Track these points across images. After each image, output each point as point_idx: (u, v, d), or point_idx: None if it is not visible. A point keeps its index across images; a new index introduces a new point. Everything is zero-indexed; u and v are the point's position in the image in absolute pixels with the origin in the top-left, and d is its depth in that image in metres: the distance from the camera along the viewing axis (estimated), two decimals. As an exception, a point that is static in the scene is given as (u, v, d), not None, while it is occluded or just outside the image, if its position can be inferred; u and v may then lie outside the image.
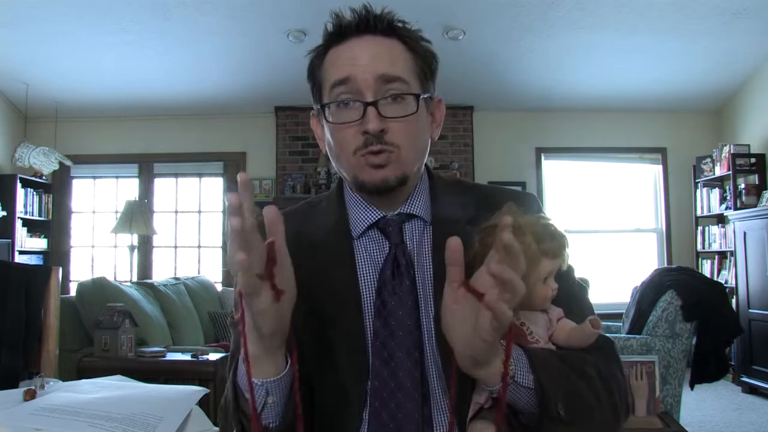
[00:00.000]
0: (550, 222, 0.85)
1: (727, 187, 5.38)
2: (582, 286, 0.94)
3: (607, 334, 0.92)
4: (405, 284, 0.89)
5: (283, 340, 0.75)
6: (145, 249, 5.94)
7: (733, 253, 5.06)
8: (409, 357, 0.86)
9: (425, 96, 0.89)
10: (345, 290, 0.89)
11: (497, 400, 0.73)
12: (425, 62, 0.91)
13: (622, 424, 0.84)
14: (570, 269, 0.91)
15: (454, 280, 0.70)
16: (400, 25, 0.90)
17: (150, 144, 5.96)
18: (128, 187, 6.11)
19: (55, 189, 5.93)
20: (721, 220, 5.59)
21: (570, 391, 0.76)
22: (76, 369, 2.81)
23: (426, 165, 0.98)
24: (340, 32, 0.89)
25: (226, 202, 0.63)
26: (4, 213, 5.24)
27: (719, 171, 5.43)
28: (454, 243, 0.68)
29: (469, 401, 0.81)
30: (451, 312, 0.72)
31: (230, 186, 5.99)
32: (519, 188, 5.82)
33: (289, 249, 0.90)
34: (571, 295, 0.89)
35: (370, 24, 0.88)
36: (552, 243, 0.83)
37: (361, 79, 0.85)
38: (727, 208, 5.32)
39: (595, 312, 0.92)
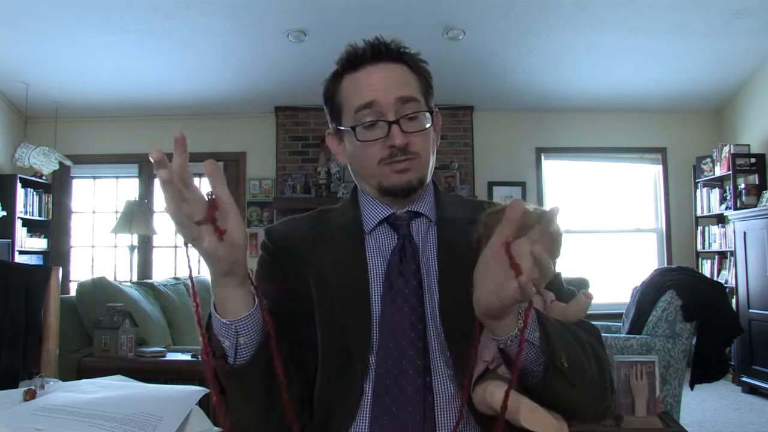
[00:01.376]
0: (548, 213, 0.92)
1: (727, 187, 5.38)
2: (571, 288, 1.03)
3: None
4: (411, 267, 1.00)
5: (243, 278, 0.81)
6: (145, 249, 5.94)
7: (733, 253, 5.06)
8: (413, 329, 0.96)
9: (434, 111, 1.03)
10: (355, 274, 1.00)
11: (513, 361, 0.79)
12: (426, 81, 1.05)
13: (609, 399, 0.93)
14: (559, 275, 1.02)
15: (503, 234, 0.75)
16: (404, 51, 1.03)
17: (150, 144, 5.88)
18: (128, 187, 6.11)
19: (55, 189, 5.93)
20: (721, 220, 5.59)
21: (570, 350, 0.84)
22: (76, 369, 2.81)
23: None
24: (356, 60, 1.01)
25: (151, 158, 0.69)
26: (4, 213, 5.24)
27: (719, 171, 5.44)
28: (518, 204, 0.73)
29: (470, 369, 0.87)
30: (485, 264, 0.77)
31: (230, 186, 5.97)
32: (519, 189, 5.85)
33: (309, 240, 1.04)
34: (561, 293, 0.99)
35: (382, 52, 1.01)
36: (551, 227, 0.89)
37: (384, 102, 0.98)
38: (727, 208, 5.32)
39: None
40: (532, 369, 0.83)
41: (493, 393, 0.82)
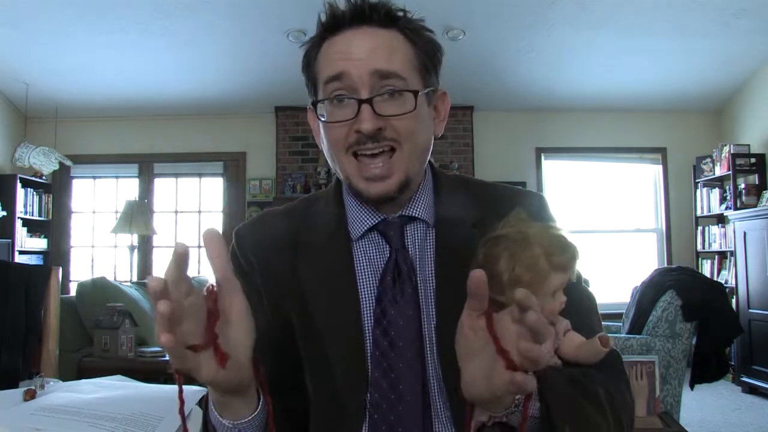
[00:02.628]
0: (561, 231, 0.79)
1: (727, 187, 5.38)
2: (590, 298, 0.90)
3: (608, 335, 0.90)
4: (406, 292, 0.84)
5: (248, 387, 0.67)
6: (145, 249, 5.94)
7: (733, 253, 5.06)
8: (410, 369, 0.82)
9: (426, 91, 0.85)
10: (343, 297, 0.85)
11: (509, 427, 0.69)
12: (427, 54, 0.85)
13: None
14: (578, 279, 0.85)
15: (474, 310, 0.62)
16: (399, 14, 0.84)
17: (150, 144, 5.96)
18: (128, 187, 6.11)
19: (55, 189, 5.93)
20: (721, 220, 5.59)
21: (578, 416, 0.71)
22: (76, 369, 2.81)
23: (430, 162, 0.93)
24: (335, 23, 0.83)
25: (148, 286, 0.55)
26: (4, 213, 5.24)
27: (719, 171, 5.43)
28: (477, 275, 0.60)
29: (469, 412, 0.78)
30: (465, 337, 0.64)
31: (230, 186, 6.00)
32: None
33: (287, 249, 0.89)
34: (579, 308, 0.84)
35: (366, 14, 0.82)
36: (562, 256, 0.77)
37: (356, 75, 0.80)
38: (727, 208, 5.32)
39: (597, 313, 0.90)
40: None
41: None
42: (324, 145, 0.87)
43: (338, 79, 0.81)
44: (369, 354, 0.83)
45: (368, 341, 0.84)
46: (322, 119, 0.84)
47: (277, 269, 0.87)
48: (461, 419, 0.75)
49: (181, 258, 0.56)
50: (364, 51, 0.81)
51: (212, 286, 0.60)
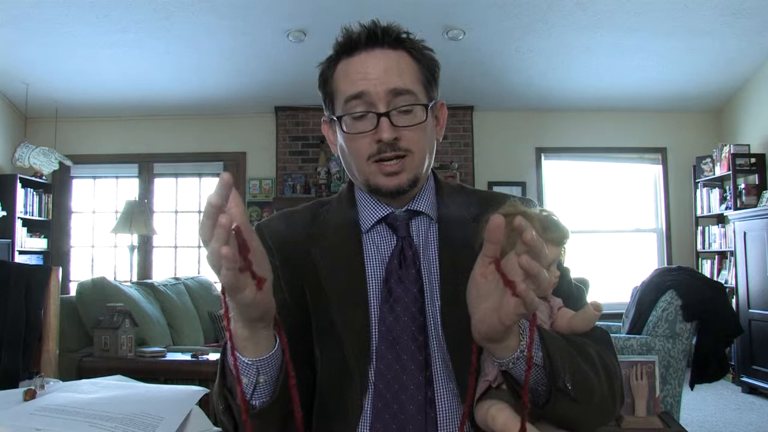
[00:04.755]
0: (553, 214, 0.92)
1: (727, 187, 5.39)
2: (579, 287, 0.99)
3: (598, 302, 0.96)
4: (411, 273, 0.94)
5: (271, 320, 0.77)
6: (145, 249, 5.94)
7: (733, 253, 5.06)
8: (414, 341, 0.91)
9: (431, 104, 0.96)
10: (353, 279, 0.95)
11: (522, 387, 0.75)
12: (429, 71, 0.98)
13: (618, 409, 0.89)
14: (567, 271, 0.97)
15: (488, 255, 0.70)
16: (405, 36, 0.96)
17: (150, 144, 5.96)
18: (128, 187, 6.11)
19: (55, 189, 5.93)
20: (721, 220, 5.59)
21: (575, 368, 0.79)
22: (76, 369, 2.81)
23: (432, 169, 1.04)
24: (351, 45, 0.95)
25: (210, 203, 0.63)
26: (4, 213, 5.24)
27: (719, 171, 5.44)
28: (498, 220, 0.67)
29: (470, 396, 0.83)
30: (476, 284, 0.72)
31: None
32: (519, 189, 5.85)
33: (303, 239, 0.99)
34: (569, 294, 0.95)
35: (379, 37, 0.94)
36: (555, 232, 0.89)
37: (374, 93, 0.92)
38: (727, 208, 5.33)
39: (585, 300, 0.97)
40: (536, 389, 0.79)
41: (495, 417, 0.80)
42: (343, 153, 0.98)
43: (359, 98, 0.93)
44: (376, 328, 0.92)
45: (374, 317, 0.93)
46: (345, 131, 0.95)
47: (294, 253, 0.97)
48: (464, 389, 0.84)
49: (226, 184, 0.64)
50: (379, 71, 0.93)
51: (237, 226, 0.66)
